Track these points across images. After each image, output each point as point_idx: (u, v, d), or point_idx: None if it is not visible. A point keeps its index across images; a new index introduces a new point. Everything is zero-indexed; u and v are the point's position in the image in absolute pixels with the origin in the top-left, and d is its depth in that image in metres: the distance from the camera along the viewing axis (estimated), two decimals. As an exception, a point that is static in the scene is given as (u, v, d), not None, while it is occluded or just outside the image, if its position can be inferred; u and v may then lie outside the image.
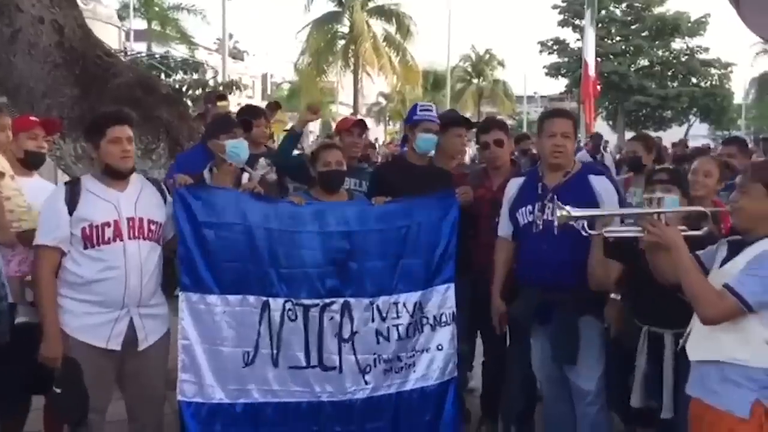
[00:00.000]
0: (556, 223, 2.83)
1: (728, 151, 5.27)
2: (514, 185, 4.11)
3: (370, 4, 32.82)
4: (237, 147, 4.07)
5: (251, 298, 3.90)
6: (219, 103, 5.16)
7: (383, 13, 32.93)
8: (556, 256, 3.77)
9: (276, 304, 3.93)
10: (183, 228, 3.74)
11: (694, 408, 2.80)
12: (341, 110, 40.83)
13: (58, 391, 3.38)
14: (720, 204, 3.87)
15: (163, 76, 12.41)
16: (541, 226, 3.87)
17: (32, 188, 3.81)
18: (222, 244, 3.84)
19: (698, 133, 43.06)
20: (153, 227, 3.57)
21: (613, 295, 3.82)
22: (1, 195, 3.57)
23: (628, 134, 32.37)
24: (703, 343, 2.72)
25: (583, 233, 3.02)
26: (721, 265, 2.76)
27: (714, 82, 44.07)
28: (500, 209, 4.19)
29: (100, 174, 3.54)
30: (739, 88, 48.55)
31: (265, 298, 3.91)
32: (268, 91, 45.49)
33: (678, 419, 3.28)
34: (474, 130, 5.13)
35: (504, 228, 4.15)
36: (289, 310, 3.94)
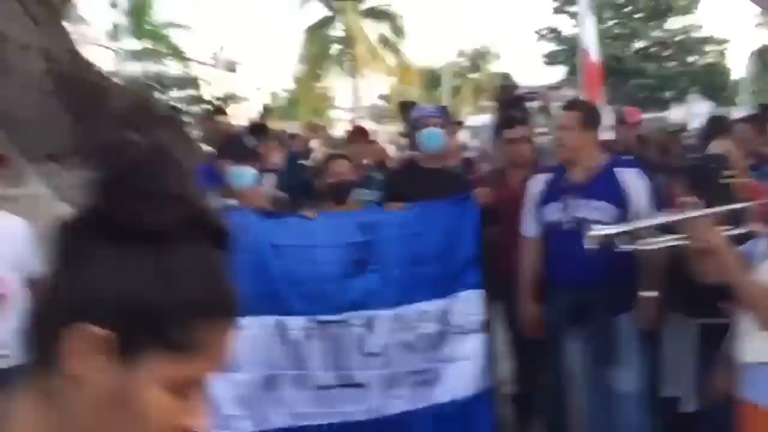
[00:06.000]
0: (588, 245, 2.62)
1: (745, 130, 5.04)
2: (538, 182, 3.91)
3: (362, 7, 32.69)
4: (240, 175, 3.91)
5: (268, 319, 3.73)
6: (218, 118, 5.00)
7: (376, 14, 32.79)
8: (585, 256, 3.56)
9: (295, 322, 3.77)
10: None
11: (747, 412, 2.61)
12: (340, 115, 40.71)
13: None
14: (759, 189, 3.64)
15: (159, 94, 12.27)
16: (568, 225, 3.67)
17: None
18: (234, 267, 3.65)
19: (700, 111, 42.79)
20: None
21: (645, 293, 3.61)
22: None
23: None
24: (758, 344, 2.52)
25: (616, 250, 2.80)
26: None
27: (710, 60, 43.76)
28: (522, 208, 4.00)
29: None
30: (735, 64, 48.22)
31: (282, 318, 3.75)
32: (266, 101, 45.39)
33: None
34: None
35: (529, 227, 3.95)
36: (310, 328, 3.78)
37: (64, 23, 5.27)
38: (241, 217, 3.76)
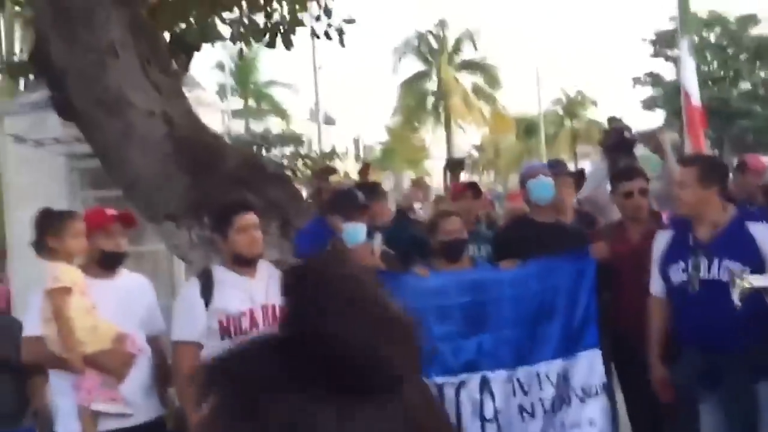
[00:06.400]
0: (737, 300, 2.42)
1: None
2: (662, 239, 3.72)
3: (457, 59, 33.09)
4: (354, 232, 3.92)
5: None
6: (332, 178, 5.07)
7: (471, 66, 33.10)
8: (720, 317, 3.33)
9: None
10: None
11: None
12: (434, 165, 40.92)
13: None
14: None
15: (264, 151, 12.70)
16: (697, 287, 3.47)
17: (116, 290, 3.50)
18: None
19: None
20: None
21: None
22: (69, 315, 3.19)
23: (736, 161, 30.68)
24: None
25: None
26: None
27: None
28: (644, 264, 3.80)
29: (229, 262, 3.46)
30: None
31: None
32: (362, 154, 46.27)
33: None
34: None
35: (656, 286, 3.75)
36: None
37: (183, 88, 5.51)
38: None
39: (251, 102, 27.65)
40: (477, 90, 32.86)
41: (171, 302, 4.03)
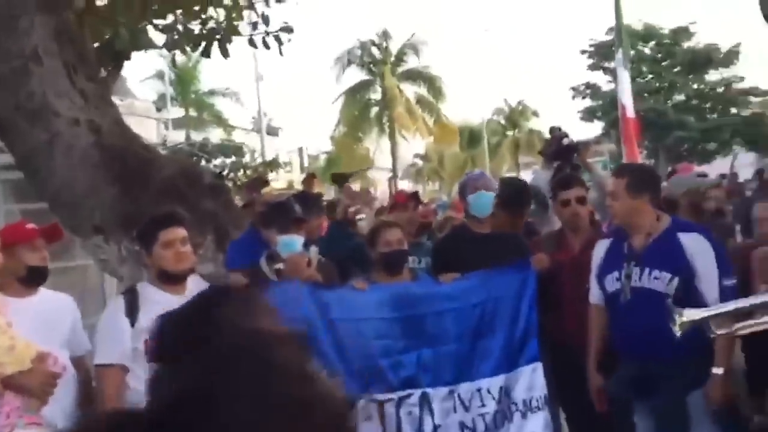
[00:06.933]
0: (677, 333, 2.39)
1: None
2: (601, 247, 3.72)
3: (400, 69, 33.20)
4: (289, 242, 3.79)
5: None
6: (264, 190, 4.90)
7: (414, 76, 33.24)
8: (650, 327, 3.34)
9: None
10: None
11: None
12: (379, 175, 40.95)
13: None
14: None
15: (204, 162, 12.43)
16: (629, 295, 3.47)
17: (37, 308, 3.31)
18: None
19: (745, 161, 41.99)
20: None
21: (715, 370, 3.34)
22: None
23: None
24: None
25: (711, 335, 2.56)
26: None
27: (755, 111, 43.19)
28: (584, 273, 3.79)
29: (156, 279, 3.30)
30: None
31: None
32: (305, 164, 45.99)
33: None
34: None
35: (595, 295, 3.75)
36: (363, 408, 3.58)
37: (114, 97, 5.30)
38: (292, 289, 3.63)
39: (192, 112, 27.17)
40: (420, 100, 33.02)
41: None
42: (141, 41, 5.76)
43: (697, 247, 3.41)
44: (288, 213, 4.10)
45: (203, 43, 6.27)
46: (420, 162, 46.39)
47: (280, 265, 3.79)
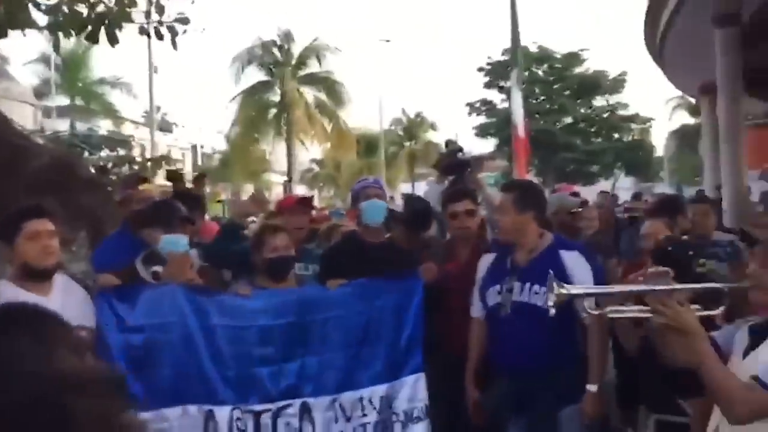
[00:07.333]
0: (551, 303, 2.42)
1: (699, 210, 5.05)
2: (485, 261, 3.75)
3: (301, 73, 32.88)
4: (174, 241, 3.60)
5: (192, 409, 3.38)
6: (141, 187, 4.60)
7: (314, 81, 33.01)
8: (528, 341, 3.44)
9: (222, 413, 3.42)
10: (108, 337, 3.22)
11: None
12: (275, 178, 40.42)
13: None
14: None
15: (87, 154, 11.79)
16: (509, 309, 3.52)
17: None
18: (155, 349, 3.35)
19: (624, 185, 44.38)
20: (84, 334, 3.04)
21: (589, 387, 3.43)
22: None
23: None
24: None
25: (584, 314, 2.62)
26: (744, 355, 2.40)
27: (635, 137, 45.79)
28: (470, 285, 3.81)
29: (18, 276, 3.03)
30: (658, 142, 50.54)
31: (209, 408, 3.41)
32: (199, 162, 44.79)
33: None
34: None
35: (477, 308, 3.78)
36: (238, 419, 3.44)
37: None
38: (169, 292, 3.44)
39: (79, 101, 25.79)
40: (320, 105, 32.84)
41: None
42: (19, 19, 5.37)
43: (576, 264, 3.49)
44: (175, 211, 3.90)
45: (90, 27, 5.94)
46: (317, 168, 46.20)
47: (157, 267, 3.59)
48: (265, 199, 4.68)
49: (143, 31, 6.22)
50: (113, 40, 6.05)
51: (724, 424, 2.35)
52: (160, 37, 6.25)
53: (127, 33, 6.29)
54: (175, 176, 7.38)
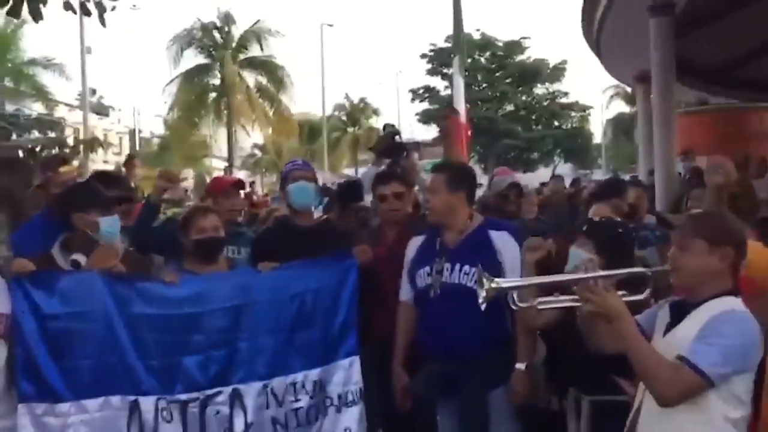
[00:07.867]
0: (481, 299, 2.41)
1: (636, 194, 5.14)
2: (414, 244, 3.72)
3: (242, 56, 32.29)
4: (113, 226, 3.44)
5: (115, 400, 3.27)
6: (62, 169, 4.36)
7: (255, 65, 32.47)
8: (457, 323, 3.41)
9: (147, 403, 3.32)
10: (23, 325, 3.08)
11: None
12: (215, 164, 39.75)
13: None
14: None
15: (14, 136, 11.31)
16: (438, 290, 3.50)
17: None
18: (74, 338, 3.22)
19: (563, 172, 45.28)
20: None
21: (518, 365, 3.44)
22: None
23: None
24: (658, 425, 2.37)
25: (514, 307, 2.61)
26: (665, 333, 2.43)
27: (574, 125, 46.71)
28: (399, 267, 3.77)
29: None
30: (596, 129, 51.60)
31: (132, 398, 3.30)
32: (137, 147, 43.65)
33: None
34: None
35: (405, 291, 3.75)
36: (163, 409, 3.34)
37: None
38: (91, 280, 3.30)
39: (8, 82, 24.74)
40: (261, 89, 32.34)
41: None
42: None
43: (504, 243, 3.50)
44: (100, 194, 3.72)
45: (10, 2, 5.66)
46: (259, 153, 45.62)
47: (77, 256, 3.42)
48: (175, 176, 4.51)
49: (68, 6, 5.95)
50: (37, 16, 5.77)
51: (648, 400, 2.38)
52: (86, 12, 6.01)
53: (55, 10, 6.01)
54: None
